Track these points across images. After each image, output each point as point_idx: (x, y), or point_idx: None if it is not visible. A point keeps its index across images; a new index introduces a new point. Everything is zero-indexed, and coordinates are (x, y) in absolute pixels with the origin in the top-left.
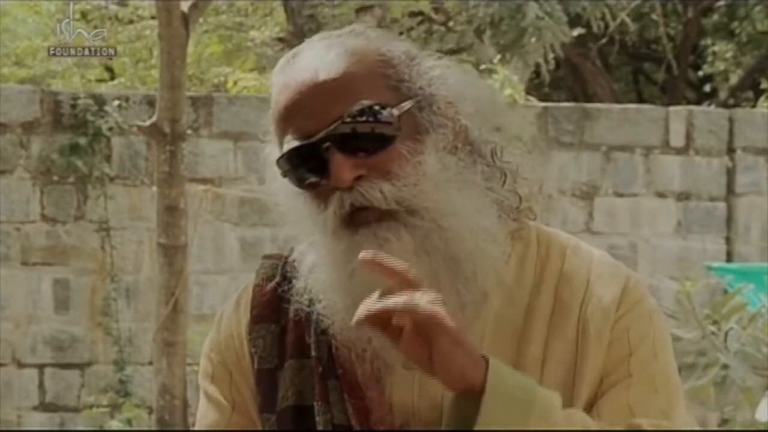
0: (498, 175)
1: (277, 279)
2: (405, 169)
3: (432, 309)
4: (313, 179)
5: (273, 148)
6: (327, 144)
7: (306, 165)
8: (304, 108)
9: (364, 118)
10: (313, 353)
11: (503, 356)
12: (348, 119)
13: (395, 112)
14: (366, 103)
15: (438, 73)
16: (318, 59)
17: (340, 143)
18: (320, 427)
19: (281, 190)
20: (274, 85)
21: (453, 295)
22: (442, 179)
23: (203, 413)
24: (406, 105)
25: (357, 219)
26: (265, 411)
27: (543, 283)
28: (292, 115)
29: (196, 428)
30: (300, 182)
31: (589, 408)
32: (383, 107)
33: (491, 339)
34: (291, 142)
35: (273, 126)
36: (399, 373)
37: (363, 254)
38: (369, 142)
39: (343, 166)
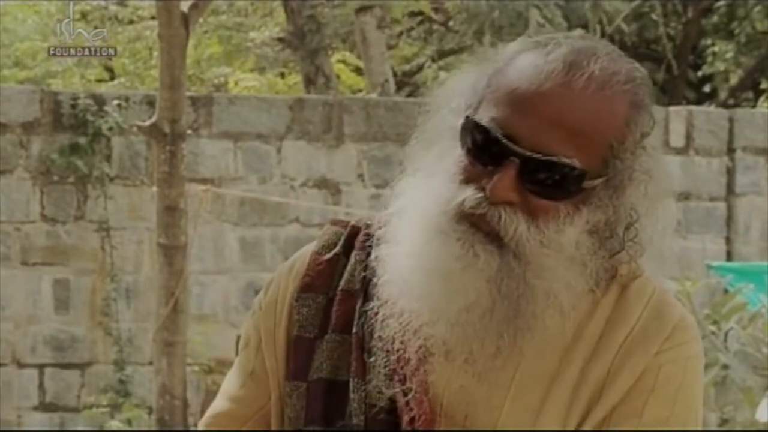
0: (616, 247)
1: (337, 250)
2: (548, 226)
3: None
4: (481, 159)
5: (477, 77)
6: (515, 159)
7: (482, 147)
8: (536, 113)
9: (563, 175)
10: (354, 329)
11: (534, 386)
12: (553, 164)
13: (587, 185)
14: (577, 165)
15: (646, 165)
16: (587, 85)
17: (524, 168)
18: (354, 404)
19: (444, 112)
20: (542, 55)
21: (494, 335)
22: (567, 254)
23: (228, 375)
24: (599, 181)
25: (473, 219)
26: (296, 378)
27: (593, 318)
28: (521, 106)
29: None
30: (468, 149)
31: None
32: (585, 177)
33: (522, 377)
34: (493, 126)
35: (502, 78)
36: (437, 361)
37: None
38: (544, 190)
39: (507, 186)
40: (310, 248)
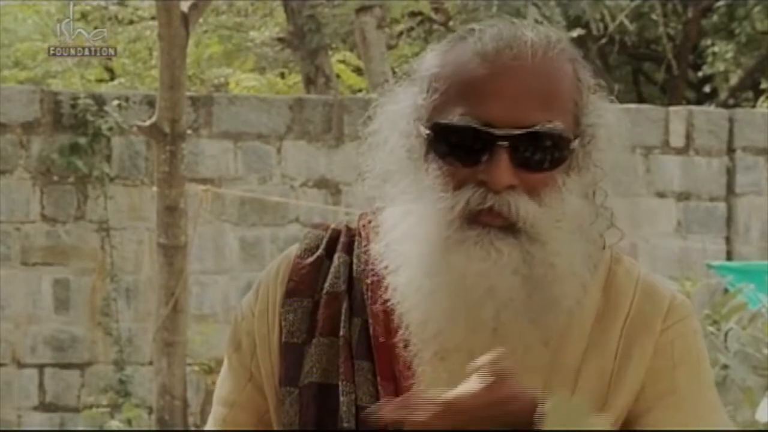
0: (595, 216)
1: (319, 252)
2: (552, 198)
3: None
4: (465, 158)
5: (412, 95)
6: (503, 143)
7: (464, 145)
8: (501, 92)
9: (550, 142)
10: (341, 332)
11: (535, 366)
12: (539, 134)
13: (573, 144)
14: (559, 126)
15: (605, 116)
16: (534, 52)
17: (513, 149)
18: (344, 407)
19: (393, 142)
20: (474, 43)
21: (529, 326)
22: (575, 224)
23: (221, 381)
24: (578, 141)
25: (481, 217)
26: (287, 384)
27: (587, 297)
28: (484, 91)
29: (215, 394)
30: (445, 155)
31: (624, 413)
32: (569, 137)
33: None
34: (468, 119)
35: (446, 78)
36: (431, 362)
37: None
38: (538, 161)
39: (507, 171)
40: (293, 252)
